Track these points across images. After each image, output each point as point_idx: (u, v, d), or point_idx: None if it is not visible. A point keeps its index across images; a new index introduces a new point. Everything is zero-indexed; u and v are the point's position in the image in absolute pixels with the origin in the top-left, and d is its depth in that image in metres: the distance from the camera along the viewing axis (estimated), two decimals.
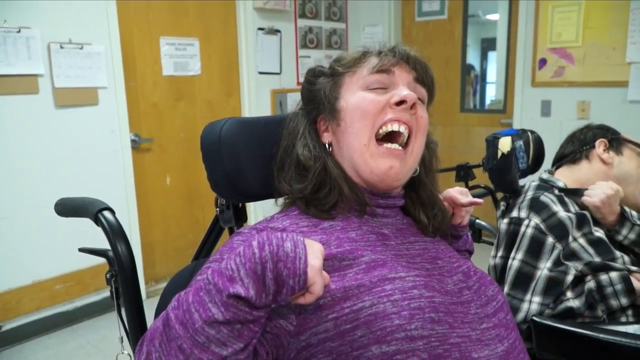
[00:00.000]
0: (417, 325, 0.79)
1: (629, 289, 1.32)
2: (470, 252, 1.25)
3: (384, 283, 0.84)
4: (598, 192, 1.47)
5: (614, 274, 1.34)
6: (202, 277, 0.80)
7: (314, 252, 0.75)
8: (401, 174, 0.98)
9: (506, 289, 1.42)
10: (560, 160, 1.68)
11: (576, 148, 1.64)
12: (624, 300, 1.33)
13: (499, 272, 1.49)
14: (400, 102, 0.96)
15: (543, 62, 3.90)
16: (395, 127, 0.96)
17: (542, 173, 1.68)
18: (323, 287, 0.75)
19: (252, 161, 1.07)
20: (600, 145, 1.59)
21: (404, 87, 0.98)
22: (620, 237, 1.49)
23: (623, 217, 1.48)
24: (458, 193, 1.15)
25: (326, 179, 0.99)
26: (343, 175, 0.99)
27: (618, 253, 1.44)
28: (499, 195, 1.81)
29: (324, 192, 0.98)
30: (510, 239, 1.48)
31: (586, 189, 1.55)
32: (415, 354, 0.78)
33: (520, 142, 1.74)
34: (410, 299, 0.82)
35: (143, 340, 0.76)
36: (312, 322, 0.81)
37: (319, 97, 1.03)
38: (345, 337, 0.79)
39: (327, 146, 1.02)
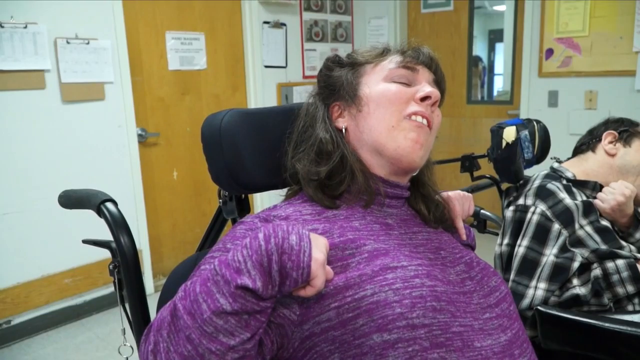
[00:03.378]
0: (419, 313, 0.80)
1: (635, 277, 1.31)
2: (472, 247, 1.25)
3: (385, 272, 0.84)
4: (609, 198, 1.46)
5: (620, 262, 1.33)
6: (209, 267, 0.82)
7: (319, 246, 0.78)
8: (423, 150, 0.99)
9: (512, 275, 1.42)
10: (575, 152, 1.68)
11: (587, 140, 1.64)
12: (630, 288, 1.32)
13: (505, 260, 1.49)
14: (425, 98, 0.99)
15: (550, 52, 3.88)
16: (419, 119, 0.98)
17: (553, 162, 1.67)
18: (324, 281, 0.78)
19: (253, 152, 1.07)
20: (606, 137, 1.59)
21: (426, 84, 1.01)
22: (632, 240, 1.48)
23: (637, 220, 1.48)
24: (459, 205, 1.15)
25: (341, 166, 1.00)
26: (359, 164, 1.01)
27: (624, 242, 1.44)
28: (504, 185, 1.80)
29: (337, 180, 0.99)
30: (517, 227, 1.48)
31: (595, 182, 1.54)
32: (417, 342, 0.78)
33: (525, 132, 1.73)
34: (412, 288, 0.82)
35: (149, 329, 0.77)
36: (315, 311, 0.82)
37: (339, 83, 1.05)
38: (347, 326, 0.79)
39: (343, 131, 1.03)
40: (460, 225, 1.14)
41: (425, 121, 0.99)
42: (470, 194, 1.21)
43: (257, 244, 0.74)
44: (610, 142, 1.58)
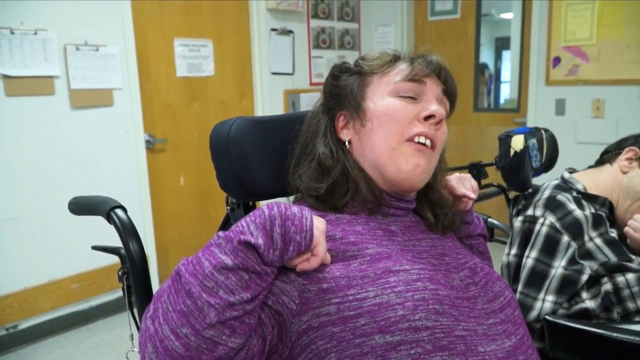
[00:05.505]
0: (421, 316, 0.80)
1: None
2: (485, 237, 1.25)
3: (388, 275, 0.85)
4: None
5: (630, 276, 1.32)
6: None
7: (318, 219, 0.82)
8: (424, 174, 0.98)
9: (520, 287, 1.40)
10: (600, 158, 1.64)
11: (612, 149, 1.60)
12: None
13: (513, 270, 1.48)
14: (429, 117, 0.97)
15: (557, 60, 3.87)
16: (422, 139, 0.97)
17: (564, 172, 1.65)
18: (326, 252, 0.81)
19: (261, 160, 1.07)
20: (627, 153, 1.54)
21: (433, 101, 0.99)
22: None
23: None
24: (456, 182, 1.16)
25: (342, 180, 0.99)
26: (363, 175, 1.00)
27: (633, 256, 1.42)
28: (512, 193, 1.79)
29: (339, 194, 0.99)
30: (525, 237, 1.47)
31: (604, 199, 1.51)
32: (420, 345, 0.78)
33: (533, 140, 1.73)
34: (414, 291, 0.83)
35: (151, 301, 0.79)
36: (315, 303, 0.82)
37: (344, 93, 1.04)
38: (347, 323, 0.80)
39: (346, 143, 1.03)
40: (460, 192, 1.14)
41: (428, 142, 0.97)
42: (467, 175, 1.22)
43: (260, 212, 0.78)
44: (629, 159, 1.53)
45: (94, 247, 1.17)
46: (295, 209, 0.79)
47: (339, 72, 1.07)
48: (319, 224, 0.81)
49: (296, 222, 0.78)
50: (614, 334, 1.20)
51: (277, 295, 0.83)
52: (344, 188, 0.99)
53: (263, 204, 0.80)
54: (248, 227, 0.75)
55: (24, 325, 2.98)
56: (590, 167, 1.65)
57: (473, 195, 1.14)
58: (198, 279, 0.72)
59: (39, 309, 3.02)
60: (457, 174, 1.20)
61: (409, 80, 0.99)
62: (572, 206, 1.43)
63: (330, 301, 0.81)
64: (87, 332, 3.14)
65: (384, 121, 0.97)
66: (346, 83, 1.04)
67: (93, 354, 2.89)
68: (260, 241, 0.74)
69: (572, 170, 1.65)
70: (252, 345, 0.77)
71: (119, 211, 1.10)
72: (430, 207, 1.07)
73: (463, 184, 1.18)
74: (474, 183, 1.21)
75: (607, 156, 1.60)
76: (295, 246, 0.77)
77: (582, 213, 1.42)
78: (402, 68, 1.01)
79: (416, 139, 0.96)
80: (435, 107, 0.97)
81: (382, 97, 0.99)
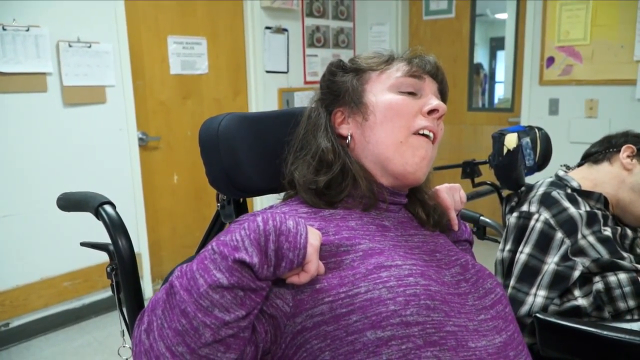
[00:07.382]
0: (413, 311, 0.80)
1: (638, 292, 1.30)
2: (470, 242, 1.25)
3: (380, 270, 0.84)
4: None
5: (622, 276, 1.32)
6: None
7: (314, 234, 0.81)
8: (428, 167, 1.01)
9: (512, 282, 1.41)
10: (587, 157, 1.65)
11: (602, 148, 1.61)
12: (632, 303, 1.31)
13: (507, 266, 1.49)
14: (432, 111, 0.99)
15: (551, 60, 3.88)
16: (426, 132, 0.99)
17: (559, 170, 1.65)
18: (317, 268, 0.80)
19: (251, 156, 1.07)
20: (625, 150, 1.55)
21: (433, 97, 1.01)
22: None
23: None
24: (447, 194, 1.16)
25: (340, 176, 0.99)
26: (362, 170, 1.00)
27: (625, 253, 1.42)
28: (505, 192, 1.79)
29: (337, 190, 0.99)
30: (519, 233, 1.47)
31: (599, 194, 1.52)
32: (411, 340, 0.78)
33: (527, 139, 1.73)
34: (406, 286, 0.83)
35: (144, 311, 0.79)
36: (308, 304, 0.82)
37: (343, 88, 1.04)
38: (340, 321, 0.79)
39: (348, 138, 1.03)
40: (453, 215, 1.14)
41: (432, 135, 0.99)
42: (457, 185, 1.22)
43: (255, 225, 0.76)
44: (628, 157, 1.55)
45: (83, 244, 1.16)
46: (290, 223, 0.78)
47: (336, 68, 1.07)
48: (314, 240, 0.80)
49: (290, 238, 0.76)
50: (605, 332, 1.20)
51: (271, 299, 0.82)
52: (342, 184, 0.99)
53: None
54: (243, 243, 0.74)
55: (15, 323, 2.96)
56: (579, 164, 1.66)
57: (456, 228, 1.15)
58: (193, 297, 0.72)
59: (31, 307, 3.01)
60: (446, 185, 1.20)
61: (409, 75, 1.01)
62: (567, 203, 1.44)
63: (323, 300, 0.81)
64: (79, 330, 3.13)
65: (389, 115, 0.98)
66: (344, 79, 1.05)
67: (85, 352, 2.88)
68: (255, 260, 0.73)
69: (568, 167, 1.65)
70: (245, 354, 0.78)
71: (107, 207, 1.09)
72: (420, 204, 1.08)
73: (453, 196, 1.18)
74: (463, 195, 1.21)
75: (602, 155, 1.60)
76: (287, 263, 0.76)
77: (577, 211, 1.42)
78: (401, 65, 1.02)
79: (421, 132, 0.98)
80: (437, 101, 1.00)
81: (382, 92, 1.01)
